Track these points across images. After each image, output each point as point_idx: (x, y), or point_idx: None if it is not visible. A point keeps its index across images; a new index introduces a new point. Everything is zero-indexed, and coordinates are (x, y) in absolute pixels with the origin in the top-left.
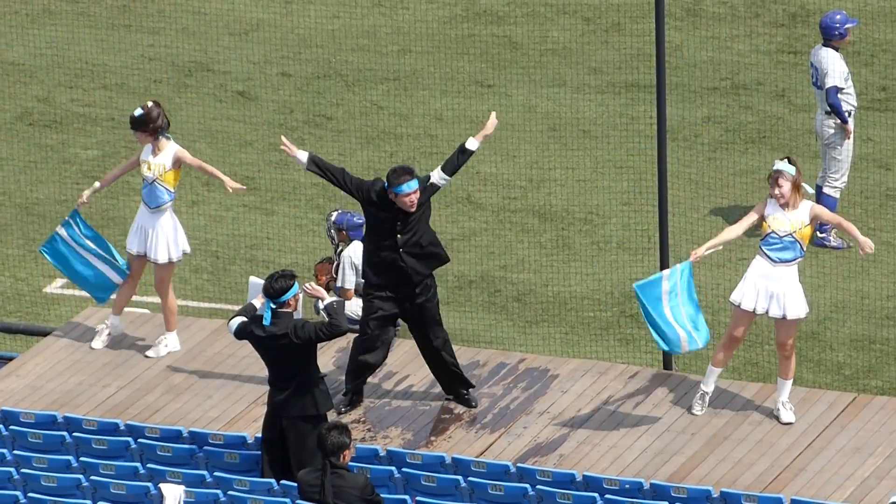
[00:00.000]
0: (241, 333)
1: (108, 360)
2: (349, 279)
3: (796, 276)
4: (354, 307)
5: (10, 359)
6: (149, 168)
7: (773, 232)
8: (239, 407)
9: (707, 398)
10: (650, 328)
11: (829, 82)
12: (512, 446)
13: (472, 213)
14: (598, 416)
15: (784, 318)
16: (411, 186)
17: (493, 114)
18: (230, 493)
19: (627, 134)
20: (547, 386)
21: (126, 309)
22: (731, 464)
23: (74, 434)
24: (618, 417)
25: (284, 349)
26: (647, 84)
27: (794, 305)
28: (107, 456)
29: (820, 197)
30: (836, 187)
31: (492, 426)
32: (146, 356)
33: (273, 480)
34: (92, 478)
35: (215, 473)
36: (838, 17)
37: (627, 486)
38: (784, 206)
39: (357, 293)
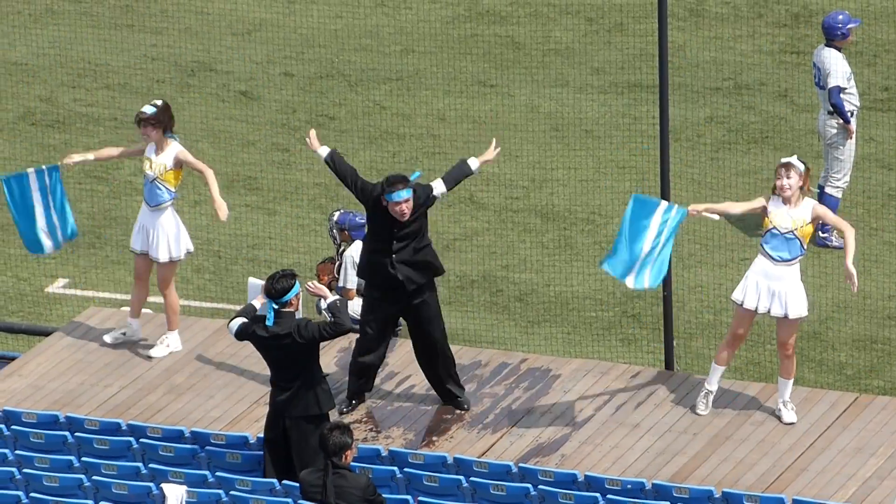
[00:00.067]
0: (242, 334)
1: (109, 360)
2: (351, 279)
3: (798, 275)
4: (357, 307)
5: (12, 359)
6: (150, 166)
7: (774, 227)
8: (241, 407)
9: (711, 397)
10: (616, 241)
11: (832, 82)
12: (514, 446)
13: (475, 213)
14: (600, 417)
15: (786, 317)
16: (401, 195)
17: (495, 140)
18: (232, 493)
19: (630, 134)
20: (549, 386)
21: (127, 309)
22: (732, 464)
23: (76, 434)
24: (620, 417)
25: (287, 349)
26: (649, 84)
27: (796, 305)
28: (109, 456)
29: (822, 197)
30: (838, 187)
31: (494, 426)
32: (148, 356)
33: (275, 480)
34: (94, 478)
35: (217, 473)
36: (841, 17)
37: (629, 486)
38: (787, 201)
39: (359, 293)
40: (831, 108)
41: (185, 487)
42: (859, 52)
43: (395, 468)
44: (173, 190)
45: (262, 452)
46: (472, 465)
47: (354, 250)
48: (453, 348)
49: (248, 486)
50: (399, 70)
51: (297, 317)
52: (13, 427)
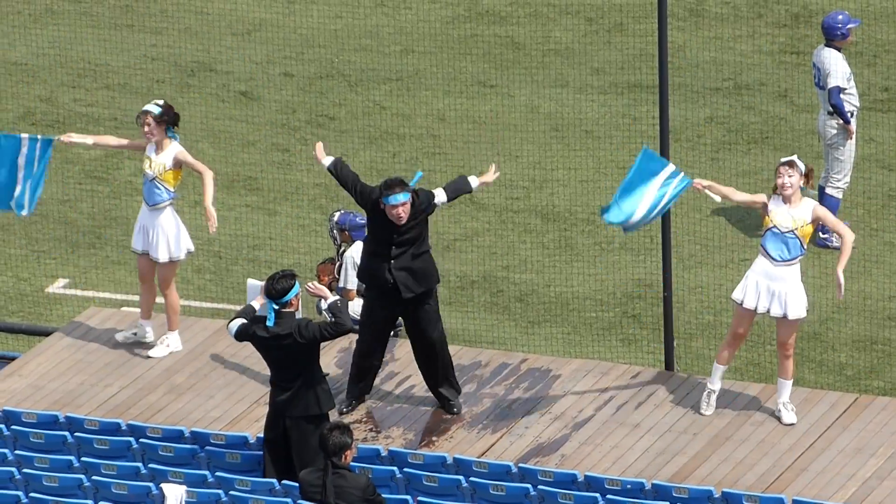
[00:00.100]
0: (241, 335)
1: (109, 360)
2: (352, 279)
3: (798, 275)
4: (357, 307)
5: (12, 359)
6: (150, 165)
7: (774, 226)
8: (241, 407)
9: (713, 396)
10: (622, 186)
11: (832, 83)
12: (513, 446)
13: (475, 214)
14: (600, 417)
15: (785, 317)
16: (398, 199)
17: (494, 166)
18: (232, 493)
19: (630, 134)
20: (549, 386)
21: (128, 309)
22: (732, 464)
23: (76, 434)
24: (620, 418)
25: (288, 349)
26: (649, 84)
27: (796, 305)
28: (108, 456)
29: (822, 197)
30: (838, 188)
31: (493, 426)
32: (148, 356)
33: (275, 480)
34: (93, 478)
35: (217, 473)
36: (840, 17)
37: (629, 486)
38: (787, 200)
39: (359, 293)
40: (831, 109)
41: (184, 487)
42: (859, 52)
43: (395, 468)
44: (172, 190)
45: (261, 452)
46: (471, 465)
47: (355, 251)
48: (454, 349)
49: (248, 486)
50: (399, 70)
51: (296, 317)
52: (13, 427)
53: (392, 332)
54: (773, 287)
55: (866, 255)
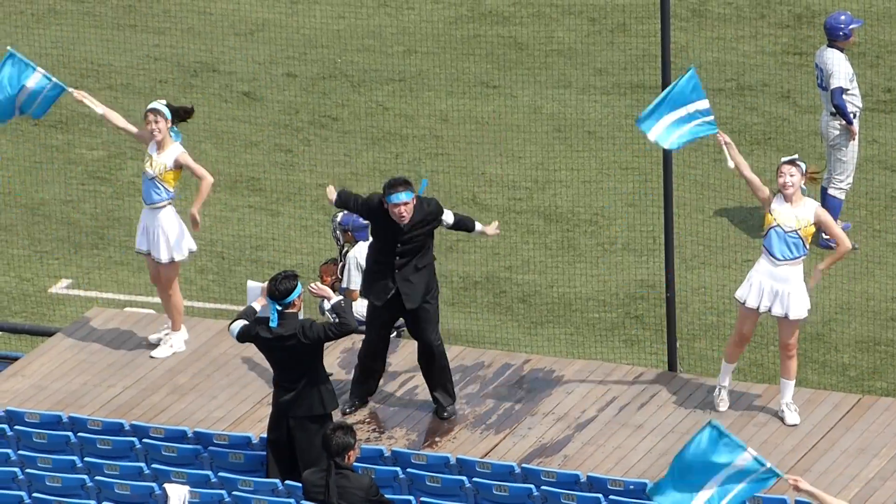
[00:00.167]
0: (244, 336)
1: (113, 361)
2: (355, 280)
3: (801, 275)
4: (360, 308)
5: (15, 359)
6: (150, 164)
7: (778, 226)
8: (244, 407)
9: (725, 392)
10: (657, 104)
11: (834, 83)
12: (517, 447)
13: (478, 214)
14: (603, 417)
15: (786, 317)
16: (401, 197)
17: (497, 223)
18: (235, 493)
19: (633, 135)
20: (552, 387)
21: (130, 309)
22: None
23: (79, 434)
24: (622, 418)
25: (292, 350)
26: (652, 85)
27: (797, 305)
28: (111, 456)
29: (825, 198)
30: (841, 189)
31: (496, 427)
32: (151, 356)
33: (277, 481)
34: (96, 478)
35: (220, 474)
36: (843, 17)
37: (632, 486)
38: (788, 199)
39: (362, 294)
40: (834, 110)
41: (187, 488)
42: (862, 53)
43: (398, 469)
44: (171, 190)
45: (264, 453)
46: (474, 465)
47: (358, 251)
48: (457, 349)
49: (251, 487)
50: (402, 71)
51: (299, 317)
52: (16, 427)
53: (395, 333)
54: (776, 287)
55: (869, 256)
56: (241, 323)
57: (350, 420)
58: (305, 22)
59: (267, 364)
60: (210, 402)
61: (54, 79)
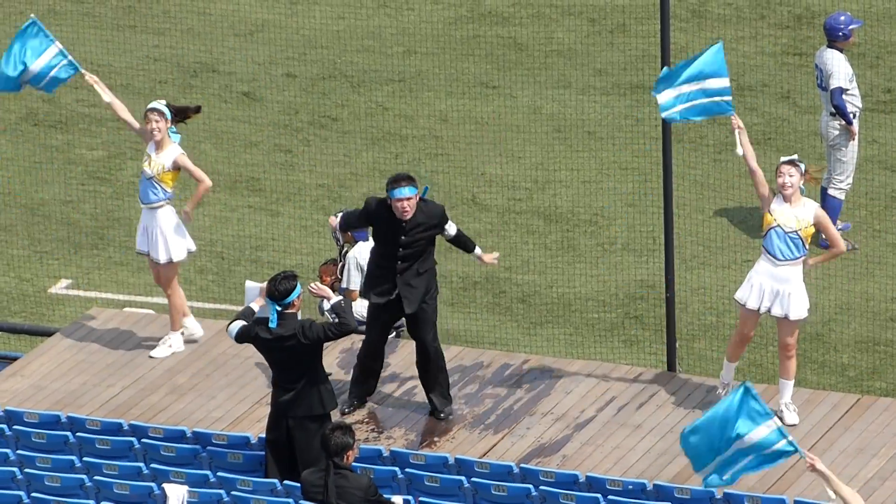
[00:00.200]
0: (243, 337)
1: (111, 361)
2: (354, 280)
3: (801, 276)
4: (360, 308)
5: (15, 359)
6: (149, 164)
7: (778, 226)
8: (243, 407)
9: (730, 389)
10: (675, 69)
11: (834, 83)
12: (515, 447)
13: (478, 215)
14: (602, 417)
15: (786, 317)
16: (403, 193)
17: (496, 254)
18: (233, 493)
19: (632, 135)
20: (551, 387)
21: (129, 310)
22: None
23: (78, 434)
24: (621, 419)
25: (291, 350)
26: (652, 86)
27: (797, 306)
28: (110, 456)
29: (825, 199)
30: (841, 189)
31: (495, 427)
32: (150, 356)
33: (276, 481)
34: (95, 478)
35: (219, 473)
36: (843, 18)
37: (631, 486)
38: (787, 199)
39: (362, 294)
40: (833, 110)
41: (186, 487)
42: (861, 53)
43: (397, 468)
44: (169, 190)
45: (263, 453)
46: (473, 465)
47: (358, 251)
48: (455, 349)
49: (250, 487)
50: (401, 71)
51: (298, 318)
52: (15, 427)
53: (394, 333)
54: (776, 287)
55: (869, 256)
56: (239, 323)
57: (349, 420)
58: (305, 22)
59: (265, 364)
60: (209, 402)
61: (69, 56)
